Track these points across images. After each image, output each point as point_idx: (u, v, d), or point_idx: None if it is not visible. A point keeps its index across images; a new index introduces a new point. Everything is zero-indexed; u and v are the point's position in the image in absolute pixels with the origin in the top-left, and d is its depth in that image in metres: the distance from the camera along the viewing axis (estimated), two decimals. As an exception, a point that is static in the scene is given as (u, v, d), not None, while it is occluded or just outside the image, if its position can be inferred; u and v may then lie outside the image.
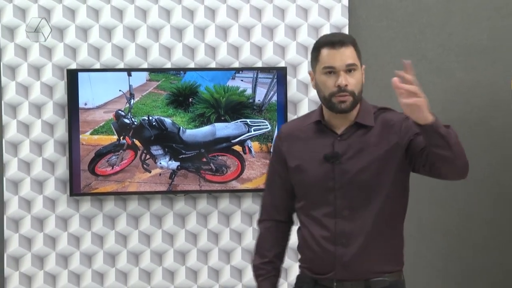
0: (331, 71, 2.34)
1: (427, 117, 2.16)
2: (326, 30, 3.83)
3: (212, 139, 3.80)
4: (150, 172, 3.79)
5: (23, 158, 3.79)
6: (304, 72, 3.84)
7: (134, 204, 3.85)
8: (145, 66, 3.82)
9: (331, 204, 2.40)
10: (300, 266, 2.54)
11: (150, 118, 3.77)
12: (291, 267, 3.80)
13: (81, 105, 3.74)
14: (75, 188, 3.76)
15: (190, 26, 3.84)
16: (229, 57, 3.85)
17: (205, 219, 3.89)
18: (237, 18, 3.86)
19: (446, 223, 3.99)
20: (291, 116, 3.78)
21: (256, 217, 2.75)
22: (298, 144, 2.47)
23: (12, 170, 3.79)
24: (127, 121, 3.77)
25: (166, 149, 3.78)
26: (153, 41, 3.83)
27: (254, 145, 3.81)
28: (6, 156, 3.78)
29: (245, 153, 3.82)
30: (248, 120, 3.80)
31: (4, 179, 3.79)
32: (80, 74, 3.73)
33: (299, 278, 2.54)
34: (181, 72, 3.77)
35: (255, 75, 3.79)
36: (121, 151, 3.78)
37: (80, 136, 3.74)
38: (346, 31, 3.83)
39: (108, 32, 3.81)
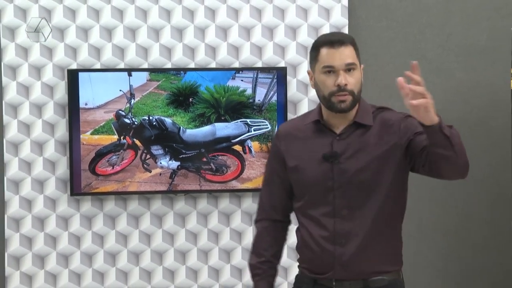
0: (330, 70, 2.34)
1: (433, 118, 2.15)
2: (326, 30, 3.83)
3: (212, 139, 3.81)
4: (150, 171, 3.80)
5: (23, 158, 3.80)
6: (304, 72, 3.85)
7: (134, 203, 3.86)
8: (145, 66, 3.83)
9: (330, 203, 2.40)
10: (299, 266, 2.54)
11: (151, 118, 3.77)
12: (291, 267, 3.81)
13: (81, 105, 3.75)
14: (75, 188, 3.76)
15: (190, 26, 3.85)
16: (229, 57, 3.85)
17: (205, 218, 3.89)
18: (237, 18, 3.87)
19: (446, 223, 3.99)
20: (291, 116, 3.79)
21: (256, 216, 2.75)
22: (297, 144, 2.46)
23: (13, 170, 3.80)
24: (127, 121, 3.77)
25: (166, 149, 3.79)
26: (154, 41, 3.84)
27: (254, 145, 3.82)
28: (7, 156, 3.79)
29: (245, 153, 3.83)
30: (248, 120, 3.81)
31: (5, 178, 3.80)
32: (80, 74, 3.74)
33: (298, 278, 2.54)
34: (181, 72, 3.78)
35: (255, 75, 3.80)
36: (121, 151, 3.78)
37: (81, 136, 3.75)
38: (346, 31, 3.84)
39: (108, 32, 3.82)
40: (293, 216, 2.56)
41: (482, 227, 3.99)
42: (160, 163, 3.80)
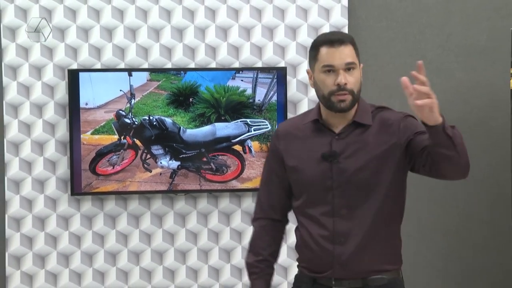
0: (330, 69, 2.33)
1: (437, 118, 2.14)
2: (325, 30, 3.83)
3: (212, 138, 3.81)
4: (150, 171, 3.80)
5: (24, 158, 3.80)
6: (304, 72, 3.85)
7: (134, 203, 3.86)
8: (145, 66, 3.83)
9: (329, 203, 2.40)
10: (298, 266, 2.54)
11: (151, 118, 3.78)
12: (291, 266, 3.81)
13: (82, 105, 3.75)
14: (76, 188, 3.77)
15: (190, 27, 3.86)
16: (229, 57, 3.86)
17: (206, 218, 3.90)
18: (237, 19, 3.87)
19: (445, 223, 3.99)
20: (291, 116, 3.79)
21: (256, 216, 2.75)
22: (296, 143, 2.46)
23: (14, 169, 3.80)
24: (127, 121, 3.78)
25: (166, 149, 3.79)
26: (154, 41, 3.84)
27: (254, 145, 3.83)
28: (7, 156, 3.80)
29: (245, 152, 3.83)
30: (248, 120, 3.81)
31: (6, 178, 3.80)
32: (81, 74, 3.74)
33: (297, 277, 2.54)
34: (182, 72, 3.78)
35: (255, 75, 3.80)
36: (121, 150, 3.79)
37: (81, 136, 3.76)
38: (345, 31, 3.84)
39: (109, 32, 3.83)
40: (291, 215, 2.56)
41: (482, 227, 3.99)
42: (160, 163, 3.80)
